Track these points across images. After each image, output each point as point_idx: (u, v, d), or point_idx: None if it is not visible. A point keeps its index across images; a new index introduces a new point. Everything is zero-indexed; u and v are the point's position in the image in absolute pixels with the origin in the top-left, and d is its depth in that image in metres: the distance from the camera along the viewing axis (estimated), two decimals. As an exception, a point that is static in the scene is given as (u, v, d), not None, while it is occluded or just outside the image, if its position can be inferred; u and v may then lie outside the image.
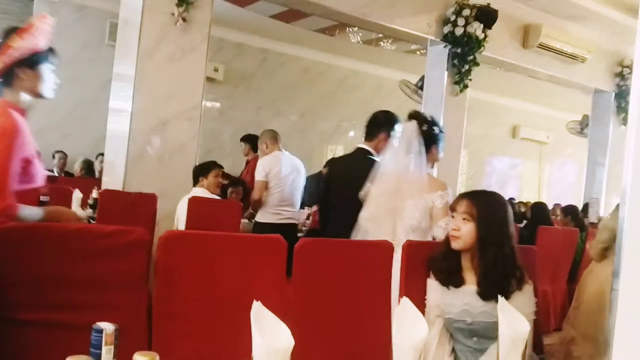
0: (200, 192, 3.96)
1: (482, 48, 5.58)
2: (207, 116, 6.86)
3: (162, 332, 1.64)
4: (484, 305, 1.96)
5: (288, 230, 4.13)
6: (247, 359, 1.06)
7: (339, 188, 3.21)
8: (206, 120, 6.79)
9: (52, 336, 1.63)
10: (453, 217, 2.05)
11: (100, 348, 1.17)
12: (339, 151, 9.29)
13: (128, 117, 4.10)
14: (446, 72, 5.65)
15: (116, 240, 1.69)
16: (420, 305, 2.00)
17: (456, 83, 5.66)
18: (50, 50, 2.19)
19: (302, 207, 4.97)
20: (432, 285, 2.05)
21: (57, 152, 6.43)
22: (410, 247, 2.27)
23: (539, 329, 2.26)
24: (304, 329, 1.88)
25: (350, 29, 6.67)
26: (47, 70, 2.16)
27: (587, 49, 6.58)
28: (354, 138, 9.46)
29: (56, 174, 6.11)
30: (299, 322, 1.86)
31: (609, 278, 1.19)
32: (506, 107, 10.54)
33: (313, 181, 6.00)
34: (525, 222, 5.73)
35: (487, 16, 5.48)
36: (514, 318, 1.68)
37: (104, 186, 4.23)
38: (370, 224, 2.68)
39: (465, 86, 5.70)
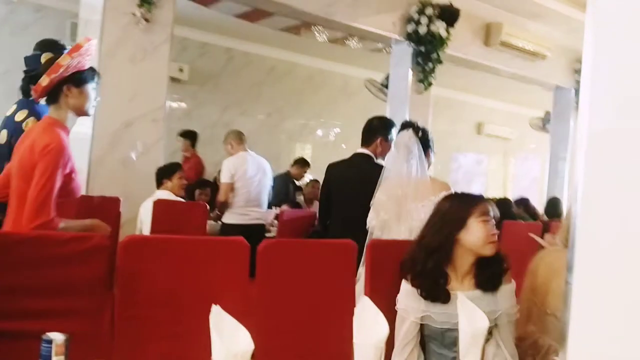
0: (165, 194, 3.92)
1: (446, 46, 5.66)
2: (172, 117, 6.81)
3: (124, 338, 1.63)
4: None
5: (255, 231, 4.13)
6: (206, 363, 1.06)
7: (339, 191, 3.30)
8: (172, 120, 6.74)
9: (10, 346, 1.60)
10: (487, 221, 1.96)
11: (50, 359, 1.15)
12: (308, 150, 9.30)
13: (90, 119, 4.02)
14: (410, 71, 5.71)
15: (75, 247, 1.67)
16: (387, 305, 2.01)
17: (421, 81, 5.73)
18: (93, 69, 2.28)
19: (269, 207, 4.97)
20: (409, 290, 1.95)
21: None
22: (375, 247, 2.30)
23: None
24: (268, 330, 1.89)
25: (315, 27, 6.67)
26: (91, 88, 2.25)
27: (547, 47, 6.72)
28: (322, 137, 9.49)
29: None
30: (263, 323, 1.86)
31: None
32: (471, 104, 10.69)
33: (281, 181, 6.02)
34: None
35: (450, 15, 5.55)
36: (473, 314, 1.72)
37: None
38: (381, 232, 2.76)
39: (430, 84, 5.77)
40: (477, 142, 11.21)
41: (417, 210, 2.68)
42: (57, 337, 1.17)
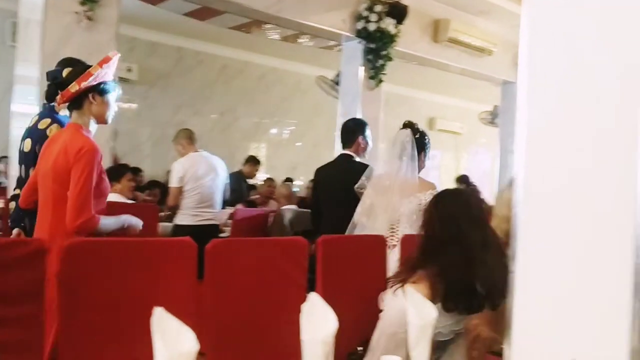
0: (114, 197, 3.82)
1: (395, 43, 5.72)
2: (122, 117, 6.66)
3: (67, 345, 1.58)
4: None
5: (208, 232, 4.07)
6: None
7: (326, 191, 3.56)
8: (122, 121, 6.60)
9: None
10: None
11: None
12: (262, 149, 9.26)
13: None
14: (361, 67, 5.75)
15: (14, 252, 1.61)
16: (337, 300, 2.01)
17: (372, 78, 5.78)
18: (115, 81, 2.47)
19: (223, 206, 4.92)
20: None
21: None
22: (326, 243, 2.31)
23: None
24: (219, 330, 1.87)
25: (266, 25, 6.65)
26: (112, 98, 2.42)
27: (493, 43, 6.87)
28: (276, 135, 9.46)
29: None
30: (213, 323, 1.85)
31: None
32: (423, 100, 10.85)
33: (233, 180, 5.97)
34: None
35: (398, 12, 5.62)
36: (421, 305, 1.74)
37: (9, 193, 4.01)
38: (366, 219, 2.98)
39: (381, 80, 5.82)
40: (430, 138, 11.35)
41: (401, 204, 2.91)
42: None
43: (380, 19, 5.55)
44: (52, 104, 2.63)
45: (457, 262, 1.86)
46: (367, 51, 5.69)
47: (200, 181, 4.26)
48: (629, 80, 1.05)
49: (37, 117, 2.76)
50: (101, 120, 2.41)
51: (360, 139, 3.53)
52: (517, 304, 1.25)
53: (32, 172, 2.50)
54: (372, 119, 5.75)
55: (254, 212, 5.18)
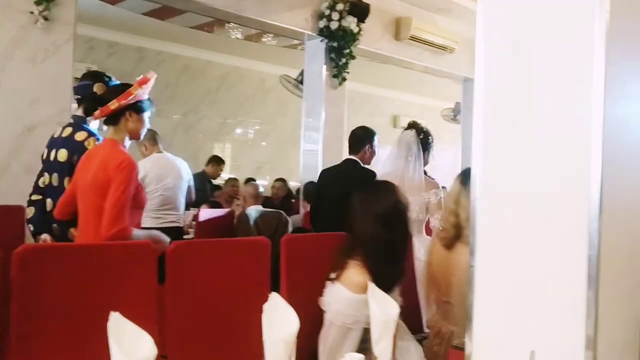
0: (74, 200, 3.75)
1: (357, 41, 5.74)
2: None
3: (21, 354, 1.53)
4: None
5: (171, 234, 4.00)
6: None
7: (327, 191, 3.68)
8: (81, 123, 6.46)
9: None
10: None
11: None
12: (227, 149, 9.18)
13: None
14: (324, 66, 5.75)
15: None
16: (304, 299, 2.01)
17: (335, 76, 5.78)
18: (150, 100, 2.61)
19: (188, 208, 4.86)
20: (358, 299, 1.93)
21: None
22: (290, 242, 2.29)
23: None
24: (181, 332, 1.85)
25: (229, 25, 6.59)
26: (146, 116, 2.58)
27: (454, 40, 6.95)
28: (241, 134, 9.39)
29: None
30: (175, 326, 1.82)
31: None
32: (386, 98, 10.90)
33: (197, 180, 5.90)
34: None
35: (360, 10, 5.63)
36: (384, 301, 1.75)
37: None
38: None
39: (344, 79, 5.83)
40: (394, 135, 11.40)
41: (409, 202, 2.99)
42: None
43: (342, 18, 5.56)
44: (79, 114, 2.82)
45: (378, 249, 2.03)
46: (330, 50, 5.69)
47: (162, 183, 4.20)
48: (580, 77, 1.07)
49: (70, 129, 2.81)
50: (135, 136, 2.55)
51: (367, 147, 3.72)
52: (477, 297, 1.27)
53: (67, 182, 2.63)
54: (336, 118, 5.77)
55: (217, 213, 5.12)
